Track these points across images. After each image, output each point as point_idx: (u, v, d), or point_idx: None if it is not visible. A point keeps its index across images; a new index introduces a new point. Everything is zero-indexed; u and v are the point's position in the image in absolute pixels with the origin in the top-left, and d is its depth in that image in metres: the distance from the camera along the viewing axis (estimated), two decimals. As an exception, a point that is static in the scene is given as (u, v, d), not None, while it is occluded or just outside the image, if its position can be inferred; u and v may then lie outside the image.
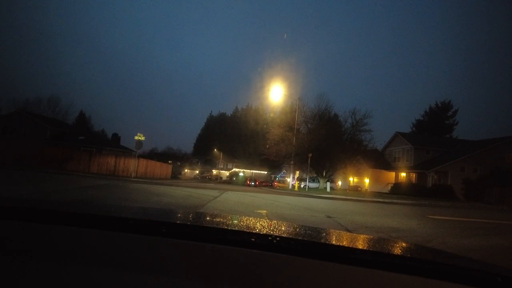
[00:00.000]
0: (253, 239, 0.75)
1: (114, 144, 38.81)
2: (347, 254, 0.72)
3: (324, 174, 27.33)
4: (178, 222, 0.90)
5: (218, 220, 1.08)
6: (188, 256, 0.68)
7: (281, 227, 1.07)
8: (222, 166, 66.17)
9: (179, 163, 62.15)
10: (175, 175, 44.24)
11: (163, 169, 34.73)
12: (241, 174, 55.11)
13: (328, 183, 24.07)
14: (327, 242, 0.85)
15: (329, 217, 6.46)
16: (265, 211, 6.69)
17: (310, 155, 22.81)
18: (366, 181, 34.10)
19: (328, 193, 19.17)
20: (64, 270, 0.60)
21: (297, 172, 26.25)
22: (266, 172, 61.58)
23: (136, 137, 22.50)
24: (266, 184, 41.62)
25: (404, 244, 1.04)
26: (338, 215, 7.00)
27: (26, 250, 0.67)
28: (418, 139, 35.75)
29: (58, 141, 30.99)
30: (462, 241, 4.64)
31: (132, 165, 24.46)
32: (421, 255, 0.85)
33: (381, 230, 5.13)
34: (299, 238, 0.84)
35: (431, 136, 40.38)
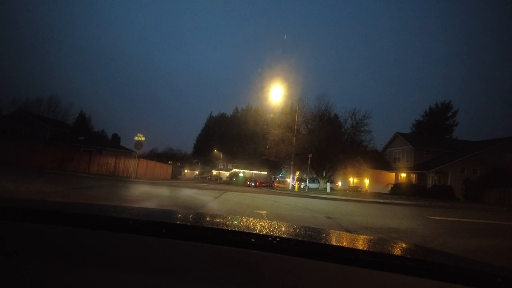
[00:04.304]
0: (253, 240, 0.75)
1: (114, 145, 38.81)
2: (347, 255, 0.72)
3: (324, 174, 27.31)
4: (178, 222, 0.90)
5: (218, 220, 1.08)
6: (188, 257, 0.68)
7: (281, 227, 1.07)
8: (222, 167, 66.12)
9: (179, 164, 62.15)
10: (175, 175, 44.21)
11: (163, 169, 34.73)
12: (241, 174, 55.12)
13: (328, 184, 24.07)
14: (327, 243, 0.85)
15: (329, 217, 6.46)
16: (265, 212, 6.69)
17: (310, 155, 22.81)
18: (366, 181, 34.09)
19: (328, 193, 19.16)
20: (65, 271, 0.60)
21: (297, 173, 26.25)
22: (266, 173, 61.56)
23: (136, 138, 22.50)
24: (266, 185, 41.61)
25: (404, 245, 1.04)
26: (338, 215, 7.00)
27: (26, 250, 0.67)
28: (418, 139, 35.76)
29: (58, 142, 30.98)
30: (462, 241, 4.64)
31: (132, 165, 24.46)
32: (421, 256, 0.85)
33: (381, 230, 5.13)
34: (299, 238, 0.84)
35: (431, 137, 40.39)
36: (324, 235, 1.05)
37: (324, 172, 27.35)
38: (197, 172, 68.05)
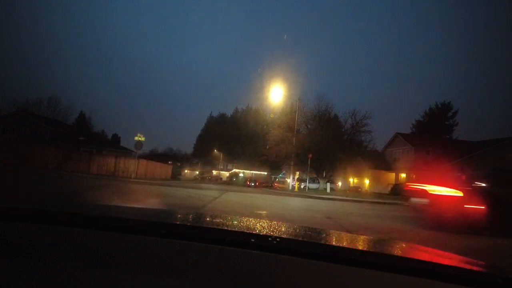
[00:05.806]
0: (253, 240, 0.75)
1: (114, 145, 38.86)
2: (347, 255, 0.72)
3: (324, 174, 27.31)
4: (178, 223, 0.90)
5: (218, 221, 1.08)
6: (188, 257, 0.68)
7: (281, 228, 1.07)
8: (222, 167, 66.15)
9: (179, 164, 62.11)
10: (175, 175, 44.17)
11: (163, 169, 34.71)
12: (241, 175, 55.07)
13: (328, 184, 24.04)
14: (327, 243, 0.85)
15: (329, 218, 6.46)
16: (265, 212, 6.69)
17: (310, 155, 22.81)
18: (366, 181, 34.09)
19: (328, 194, 19.17)
20: (65, 271, 0.60)
21: (297, 173, 26.23)
22: (266, 173, 61.44)
23: (136, 138, 22.49)
24: (266, 185, 41.52)
25: (404, 245, 1.04)
26: (338, 216, 7.00)
27: (26, 250, 0.67)
28: (418, 139, 35.77)
29: (58, 142, 31.00)
30: (462, 242, 4.64)
31: (132, 165, 24.44)
32: (421, 256, 0.85)
33: (381, 230, 5.13)
34: (299, 239, 0.84)
35: (431, 137, 40.37)
36: (324, 235, 1.05)
37: (324, 172, 27.34)
38: (197, 172, 67.96)
